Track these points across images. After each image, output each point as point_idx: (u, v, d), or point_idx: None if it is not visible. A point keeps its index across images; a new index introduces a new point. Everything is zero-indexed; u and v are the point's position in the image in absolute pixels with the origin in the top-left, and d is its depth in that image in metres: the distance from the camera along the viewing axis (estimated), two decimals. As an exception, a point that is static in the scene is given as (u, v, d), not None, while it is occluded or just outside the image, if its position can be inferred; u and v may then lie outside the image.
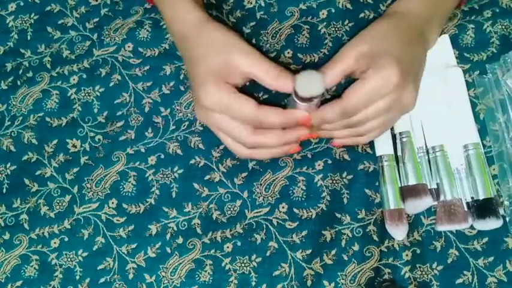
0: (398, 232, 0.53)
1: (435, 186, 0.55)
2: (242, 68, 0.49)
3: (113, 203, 0.58)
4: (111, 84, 0.62)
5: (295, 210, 0.56)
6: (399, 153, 0.56)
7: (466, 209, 0.54)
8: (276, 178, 0.57)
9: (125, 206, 0.57)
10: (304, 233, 0.55)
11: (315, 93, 0.46)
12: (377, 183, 0.56)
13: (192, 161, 0.58)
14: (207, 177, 0.58)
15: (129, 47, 0.63)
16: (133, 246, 0.56)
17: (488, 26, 0.60)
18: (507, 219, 0.54)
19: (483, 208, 0.53)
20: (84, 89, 0.62)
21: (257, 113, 0.48)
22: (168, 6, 0.55)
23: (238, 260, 0.55)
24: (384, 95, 0.47)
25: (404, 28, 0.51)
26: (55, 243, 0.57)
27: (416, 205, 0.53)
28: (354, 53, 0.49)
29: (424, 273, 0.53)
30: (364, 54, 0.48)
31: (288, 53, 0.61)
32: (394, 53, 0.48)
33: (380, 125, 0.50)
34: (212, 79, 0.49)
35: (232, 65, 0.49)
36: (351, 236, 0.55)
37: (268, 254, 0.55)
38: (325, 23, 0.61)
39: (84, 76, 0.62)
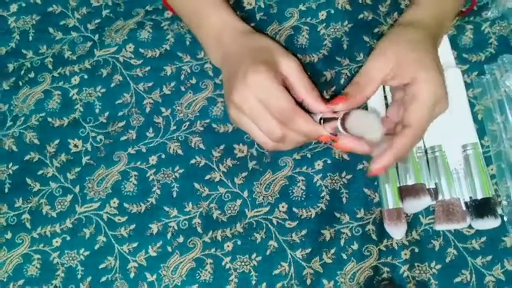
0: (397, 231, 0.54)
1: (433, 186, 0.55)
2: (283, 68, 0.50)
3: (114, 202, 0.58)
4: (113, 84, 0.62)
5: (294, 209, 0.56)
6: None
7: (464, 208, 0.54)
8: (276, 178, 0.57)
9: (126, 205, 0.58)
10: (303, 232, 0.55)
11: (371, 137, 0.46)
12: (376, 183, 0.56)
13: (193, 161, 0.59)
14: (207, 177, 0.58)
15: (130, 47, 0.63)
16: (135, 245, 0.57)
17: (486, 27, 0.60)
18: (505, 218, 0.54)
19: (481, 207, 0.53)
20: (85, 90, 0.62)
21: (293, 109, 0.48)
22: (210, 15, 0.56)
23: (239, 259, 0.55)
24: (438, 103, 0.49)
25: (428, 35, 0.52)
26: (57, 242, 0.57)
27: (415, 205, 0.54)
28: (380, 76, 0.50)
29: (422, 272, 0.54)
30: (403, 62, 0.49)
31: (288, 53, 0.61)
32: (434, 59, 0.49)
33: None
34: (262, 64, 0.49)
35: (275, 61, 0.50)
36: (350, 235, 0.55)
37: (268, 253, 0.55)
38: (324, 24, 0.62)
39: (86, 77, 0.62)
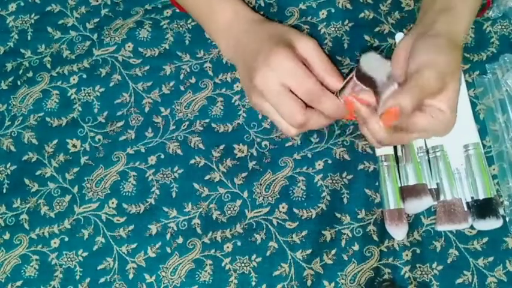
0: (398, 232, 0.54)
1: (435, 186, 0.55)
2: (301, 49, 0.50)
3: (113, 203, 0.58)
4: (111, 84, 0.62)
5: (295, 210, 0.56)
6: (399, 153, 0.56)
7: (466, 209, 0.54)
8: (276, 178, 0.57)
9: (125, 206, 0.57)
10: (304, 233, 0.55)
11: (378, 76, 0.47)
12: (377, 183, 0.56)
13: (192, 161, 0.58)
14: (207, 177, 0.58)
15: (129, 47, 0.63)
16: (134, 246, 0.56)
17: (488, 26, 0.60)
18: (507, 219, 0.54)
19: (483, 208, 0.53)
20: (84, 89, 0.62)
21: (320, 88, 0.49)
22: (221, 6, 0.56)
23: (238, 260, 0.55)
24: (450, 79, 0.48)
25: (458, 52, 0.50)
26: (55, 243, 0.57)
27: (416, 205, 0.53)
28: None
29: (424, 273, 0.53)
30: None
31: (288, 53, 0.61)
32: (451, 93, 0.48)
33: (456, 104, 0.49)
34: (283, 46, 0.49)
35: (292, 44, 0.50)
36: (350, 236, 0.55)
37: (268, 254, 0.55)
38: (325, 23, 0.61)
39: (84, 76, 0.62)
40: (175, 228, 0.56)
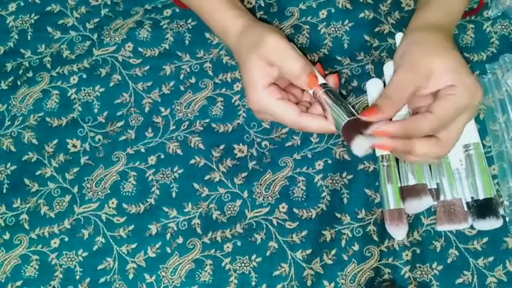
0: (398, 232, 0.53)
1: (435, 186, 0.55)
2: (271, 59, 0.50)
3: (113, 203, 0.58)
4: (111, 84, 0.62)
5: (295, 210, 0.56)
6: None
7: (466, 209, 0.54)
8: (276, 178, 0.57)
9: (125, 206, 0.57)
10: (304, 233, 0.55)
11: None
12: (377, 183, 0.56)
13: (192, 161, 0.58)
14: (207, 177, 0.58)
15: (129, 47, 0.63)
16: (134, 246, 0.56)
17: (488, 26, 0.60)
18: (507, 219, 0.54)
19: (483, 208, 0.53)
20: (84, 89, 0.62)
21: (298, 120, 0.49)
22: (214, 12, 0.56)
23: (238, 260, 0.55)
24: (469, 108, 0.47)
25: (447, 37, 0.50)
26: (55, 243, 0.57)
27: (416, 205, 0.53)
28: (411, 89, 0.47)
29: (424, 273, 0.53)
30: (438, 73, 0.47)
31: (288, 53, 0.61)
32: (466, 65, 0.48)
33: (460, 135, 0.49)
34: (254, 86, 0.50)
35: (264, 57, 0.50)
36: (350, 236, 0.55)
37: (268, 254, 0.55)
38: (325, 23, 0.61)
39: (84, 76, 0.62)
40: (175, 228, 0.56)
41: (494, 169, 0.55)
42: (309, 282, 0.54)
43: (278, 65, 0.50)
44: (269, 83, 0.50)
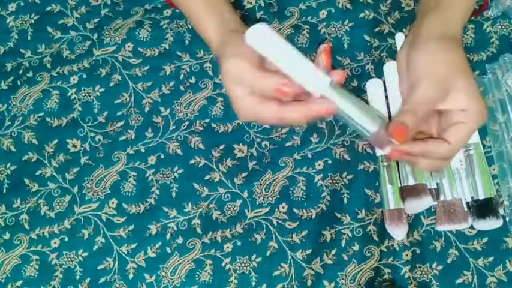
0: (399, 232, 0.53)
1: (435, 186, 0.55)
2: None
3: (113, 203, 0.58)
4: (111, 84, 0.62)
5: (295, 210, 0.56)
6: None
7: (466, 209, 0.54)
8: (276, 178, 0.57)
9: (125, 206, 0.57)
10: (304, 233, 0.55)
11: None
12: (377, 183, 0.56)
13: (192, 161, 0.58)
14: (207, 177, 0.58)
15: (129, 47, 0.63)
16: (134, 246, 0.56)
17: (488, 26, 0.60)
18: (507, 219, 0.54)
19: (483, 208, 0.53)
20: (84, 89, 0.62)
21: (279, 114, 0.47)
22: (201, 20, 0.55)
23: (238, 260, 0.55)
24: (477, 129, 0.48)
25: (459, 45, 0.49)
26: (55, 243, 0.57)
27: (416, 205, 0.53)
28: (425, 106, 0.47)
29: (424, 273, 0.53)
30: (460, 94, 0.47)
31: (288, 53, 0.61)
32: (472, 83, 0.47)
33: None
34: (234, 91, 0.48)
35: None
36: (350, 236, 0.55)
37: (268, 254, 0.55)
38: (325, 23, 0.61)
39: (84, 76, 0.62)
40: (175, 228, 0.56)
41: (494, 169, 0.55)
42: (309, 282, 0.54)
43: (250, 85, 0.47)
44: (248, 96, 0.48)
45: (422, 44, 0.49)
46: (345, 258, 0.54)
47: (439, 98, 0.46)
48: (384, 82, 0.58)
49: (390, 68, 0.57)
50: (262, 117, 0.48)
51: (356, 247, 0.54)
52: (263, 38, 0.44)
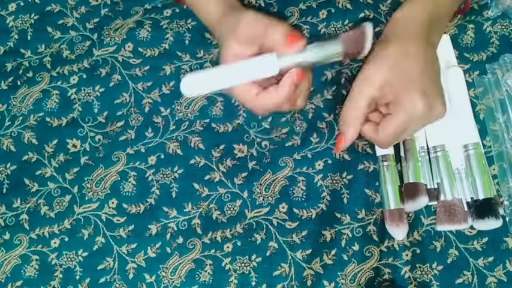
0: (399, 232, 0.53)
1: (435, 186, 0.55)
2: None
3: (113, 203, 0.58)
4: (111, 84, 0.62)
5: (295, 210, 0.56)
6: (402, 152, 0.56)
7: (466, 209, 0.54)
8: (276, 178, 0.57)
9: (125, 206, 0.57)
10: (304, 233, 0.55)
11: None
12: (377, 183, 0.56)
13: (192, 161, 0.58)
14: (207, 177, 0.58)
15: (129, 47, 0.63)
16: (134, 246, 0.56)
17: (488, 26, 0.60)
18: (507, 219, 0.54)
19: (483, 208, 0.53)
20: (84, 89, 0.62)
21: (256, 102, 0.48)
22: (203, 11, 0.56)
23: (238, 260, 0.55)
24: (414, 122, 0.49)
25: (415, 48, 0.50)
26: (55, 243, 0.57)
27: (414, 204, 0.53)
28: (366, 100, 0.50)
29: (424, 273, 0.53)
30: (384, 84, 0.49)
31: (288, 53, 0.61)
32: (415, 79, 0.48)
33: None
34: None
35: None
36: (350, 236, 0.55)
37: (268, 254, 0.55)
38: (325, 23, 0.61)
39: (84, 76, 0.62)
40: (175, 228, 0.56)
41: (494, 169, 0.55)
42: (309, 282, 0.54)
43: (260, 35, 0.48)
44: None
45: (394, 24, 0.53)
46: (345, 258, 0.54)
47: (369, 95, 0.49)
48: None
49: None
50: (242, 103, 0.49)
51: (356, 247, 0.54)
52: (197, 82, 0.46)
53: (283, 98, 0.47)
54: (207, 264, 0.55)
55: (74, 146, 0.60)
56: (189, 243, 0.56)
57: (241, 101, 0.49)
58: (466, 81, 0.58)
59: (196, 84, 0.46)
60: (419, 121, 0.49)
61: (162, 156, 0.59)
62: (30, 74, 0.63)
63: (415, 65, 0.49)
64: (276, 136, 0.58)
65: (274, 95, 0.47)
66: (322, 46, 0.47)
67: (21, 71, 0.63)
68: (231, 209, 0.56)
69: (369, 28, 0.47)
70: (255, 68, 0.46)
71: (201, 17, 0.58)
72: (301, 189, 0.56)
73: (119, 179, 0.58)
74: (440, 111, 0.49)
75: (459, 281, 0.53)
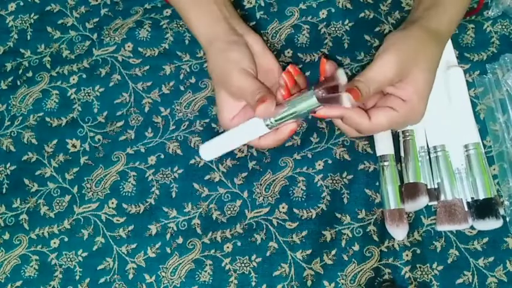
0: (399, 232, 0.53)
1: (436, 186, 0.54)
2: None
3: (112, 203, 0.58)
4: (111, 84, 0.62)
5: (295, 210, 0.56)
6: (402, 152, 0.56)
7: (466, 209, 0.54)
8: (276, 178, 0.57)
9: (124, 206, 0.57)
10: (304, 233, 0.55)
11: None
12: (377, 183, 0.56)
13: (192, 161, 0.58)
14: (207, 177, 0.57)
15: (129, 47, 0.62)
16: (133, 246, 0.56)
17: (488, 26, 0.60)
18: (507, 219, 0.53)
19: (483, 208, 0.53)
20: (84, 89, 0.62)
21: (230, 124, 0.52)
22: (197, 26, 0.56)
23: (238, 260, 0.55)
24: (406, 123, 0.50)
25: (435, 43, 0.50)
26: (55, 243, 0.57)
27: (414, 204, 0.53)
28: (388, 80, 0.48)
29: (424, 273, 0.53)
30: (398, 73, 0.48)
31: (288, 52, 0.61)
32: (419, 82, 0.48)
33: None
34: (221, 116, 0.53)
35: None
36: (351, 236, 0.55)
37: (268, 254, 0.55)
38: (325, 23, 0.61)
39: (84, 76, 0.62)
40: (175, 229, 0.56)
41: (494, 169, 0.55)
42: (309, 283, 0.54)
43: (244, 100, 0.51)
44: (233, 116, 0.52)
45: (405, 30, 0.51)
46: (345, 258, 0.54)
47: (394, 81, 0.48)
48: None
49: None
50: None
51: (356, 247, 0.54)
52: (212, 150, 0.54)
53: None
54: (207, 265, 0.55)
55: (74, 146, 0.60)
56: (189, 243, 0.56)
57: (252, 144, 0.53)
58: (467, 81, 0.58)
59: (210, 152, 0.54)
60: (407, 119, 0.49)
61: (162, 156, 0.59)
62: (30, 74, 0.63)
63: (426, 63, 0.49)
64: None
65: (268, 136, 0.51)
66: (298, 103, 0.48)
67: (20, 71, 0.63)
68: (231, 209, 0.56)
69: (342, 76, 0.48)
70: (248, 131, 0.51)
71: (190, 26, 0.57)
72: (301, 189, 0.56)
73: (119, 179, 0.58)
74: (420, 117, 0.50)
75: (459, 281, 0.53)
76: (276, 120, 0.49)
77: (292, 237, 0.55)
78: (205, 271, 0.55)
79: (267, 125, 0.49)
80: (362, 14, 0.61)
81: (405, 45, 0.48)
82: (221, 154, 0.54)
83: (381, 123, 0.48)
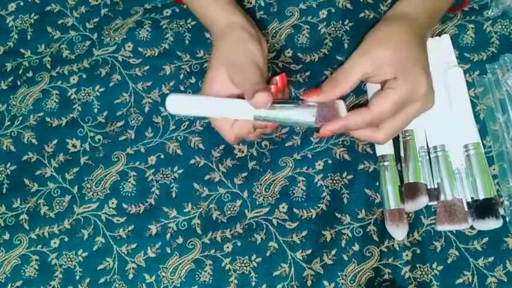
0: (399, 232, 0.53)
1: (436, 186, 0.54)
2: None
3: (112, 203, 0.58)
4: (111, 84, 0.62)
5: (295, 210, 0.56)
6: (402, 152, 0.56)
7: (466, 209, 0.54)
8: (276, 178, 0.57)
9: (124, 206, 0.57)
10: (304, 233, 0.55)
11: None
12: (377, 183, 0.56)
13: (192, 161, 0.58)
14: (207, 177, 0.57)
15: (129, 47, 0.62)
16: (133, 246, 0.56)
17: (488, 26, 0.60)
18: (507, 219, 0.54)
19: (483, 208, 0.53)
20: (84, 89, 0.62)
21: (231, 131, 0.52)
22: (213, 21, 0.56)
23: (238, 260, 0.55)
24: (412, 103, 0.49)
25: (415, 31, 0.51)
26: (55, 243, 0.57)
27: (414, 204, 0.53)
28: (361, 71, 0.49)
29: (424, 273, 0.53)
30: (384, 63, 0.48)
31: (288, 52, 0.61)
32: (418, 60, 0.49)
33: (402, 127, 0.51)
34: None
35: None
36: (351, 236, 0.55)
37: (268, 254, 0.55)
38: (325, 23, 0.61)
39: (84, 76, 0.62)
40: (175, 229, 0.56)
41: (494, 169, 0.55)
42: (309, 283, 0.54)
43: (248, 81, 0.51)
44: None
45: (376, 27, 0.52)
46: (345, 258, 0.54)
47: (361, 67, 0.49)
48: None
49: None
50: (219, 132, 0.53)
51: (356, 247, 0.54)
52: (180, 103, 0.51)
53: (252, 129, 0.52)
54: (207, 265, 0.55)
55: (74, 146, 0.60)
56: (189, 243, 0.56)
57: (217, 127, 0.53)
58: (466, 81, 0.58)
59: (178, 105, 0.51)
60: (418, 102, 0.49)
61: (162, 156, 0.59)
62: (30, 74, 0.63)
63: (418, 47, 0.50)
64: (276, 136, 0.58)
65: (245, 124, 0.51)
66: (297, 111, 0.49)
67: (21, 71, 0.63)
68: (231, 209, 0.56)
69: (342, 109, 0.49)
70: (233, 108, 0.50)
71: (199, 15, 0.58)
72: (301, 189, 0.56)
73: (119, 179, 0.58)
74: (433, 102, 0.50)
75: (459, 281, 0.53)
76: (265, 117, 0.49)
77: (292, 237, 0.55)
78: (205, 271, 0.55)
79: (255, 116, 0.49)
80: (362, 14, 0.61)
81: (371, 38, 0.50)
82: (188, 114, 0.52)
83: (381, 107, 0.48)
